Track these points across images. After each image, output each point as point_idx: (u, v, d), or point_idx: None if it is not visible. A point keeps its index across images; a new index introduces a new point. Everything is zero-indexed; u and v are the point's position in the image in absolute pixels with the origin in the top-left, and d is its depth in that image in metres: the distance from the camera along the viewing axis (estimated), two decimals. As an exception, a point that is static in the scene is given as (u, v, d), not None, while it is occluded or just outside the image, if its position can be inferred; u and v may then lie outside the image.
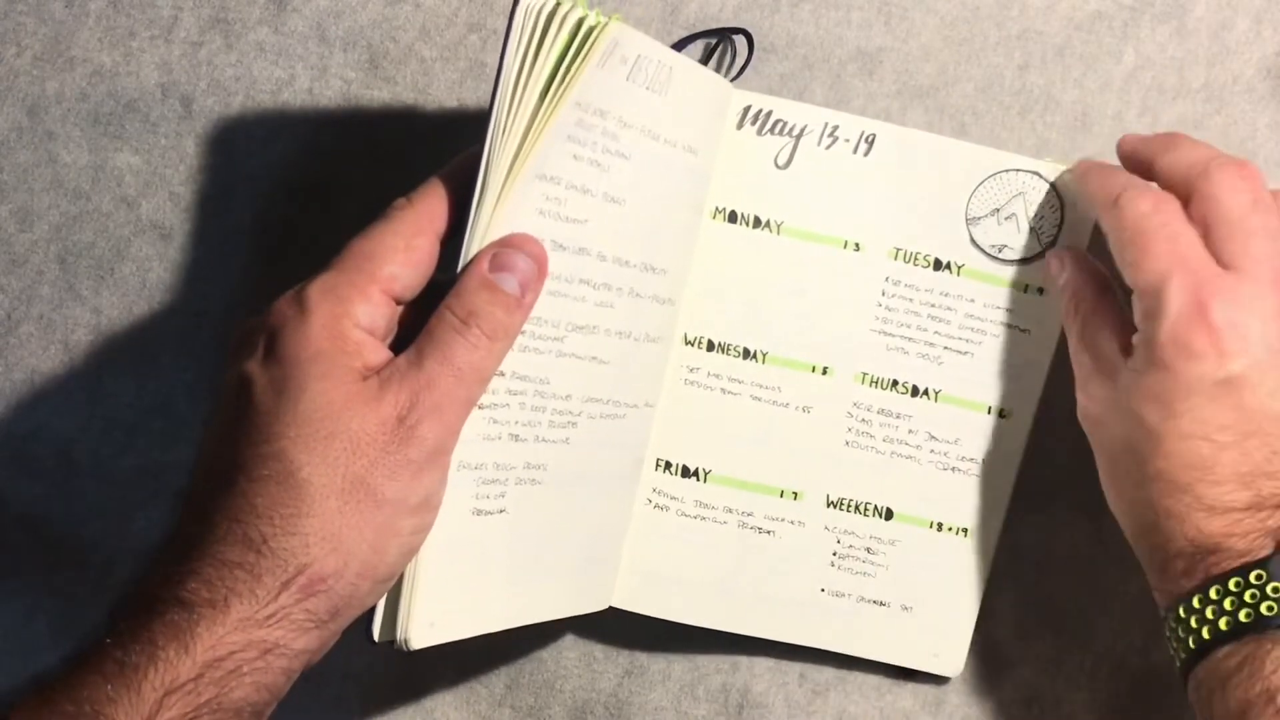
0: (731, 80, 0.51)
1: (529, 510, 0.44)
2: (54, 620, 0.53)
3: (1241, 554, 0.40)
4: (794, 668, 0.53)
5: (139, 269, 0.53)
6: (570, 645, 0.53)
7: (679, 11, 0.52)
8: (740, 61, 0.51)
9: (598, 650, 0.53)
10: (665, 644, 0.53)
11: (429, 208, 0.40)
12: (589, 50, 0.39)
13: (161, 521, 0.53)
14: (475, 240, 0.40)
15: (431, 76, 0.52)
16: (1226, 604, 0.40)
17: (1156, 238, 0.42)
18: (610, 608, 0.51)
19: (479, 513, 0.43)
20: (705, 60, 0.52)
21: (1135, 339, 0.43)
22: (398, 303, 0.40)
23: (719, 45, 0.52)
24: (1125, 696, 0.52)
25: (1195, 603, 0.41)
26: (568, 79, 0.39)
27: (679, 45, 0.51)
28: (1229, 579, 0.40)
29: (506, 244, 0.40)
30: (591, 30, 0.39)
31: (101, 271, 0.53)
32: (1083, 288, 0.46)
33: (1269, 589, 0.39)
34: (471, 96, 0.52)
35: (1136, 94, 0.52)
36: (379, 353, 0.39)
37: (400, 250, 0.39)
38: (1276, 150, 0.52)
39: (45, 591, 0.53)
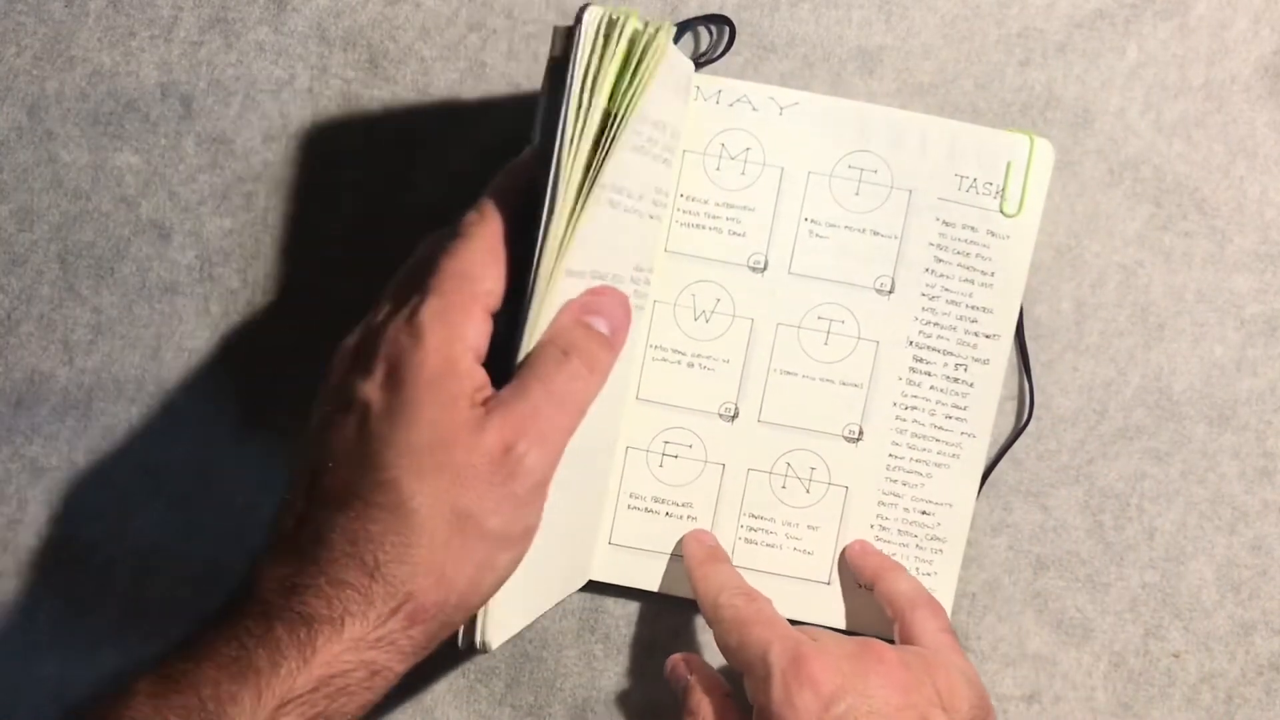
0: (711, 62, 0.51)
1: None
2: (54, 620, 0.53)
3: None
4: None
5: (139, 269, 0.53)
6: (570, 644, 0.53)
7: (678, 11, 0.52)
8: (720, 47, 0.51)
9: (598, 649, 0.53)
10: (665, 642, 0.53)
11: (496, 220, 0.40)
12: (654, 62, 0.39)
13: (161, 521, 0.53)
14: (547, 255, 0.40)
15: (431, 76, 0.52)
16: None
17: (755, 622, 0.44)
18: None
19: None
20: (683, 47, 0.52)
21: (754, 715, 0.43)
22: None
23: (698, 30, 0.52)
24: (1124, 693, 0.52)
25: None
26: (634, 91, 0.39)
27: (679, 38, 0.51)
28: None
29: (595, 293, 0.42)
30: (650, 40, 0.39)
31: (101, 271, 0.53)
32: (708, 691, 0.46)
33: None
34: (471, 96, 0.52)
35: (1139, 90, 0.52)
36: (484, 375, 0.39)
37: (490, 265, 0.40)
38: (1274, 149, 0.52)
39: (45, 592, 0.53)
